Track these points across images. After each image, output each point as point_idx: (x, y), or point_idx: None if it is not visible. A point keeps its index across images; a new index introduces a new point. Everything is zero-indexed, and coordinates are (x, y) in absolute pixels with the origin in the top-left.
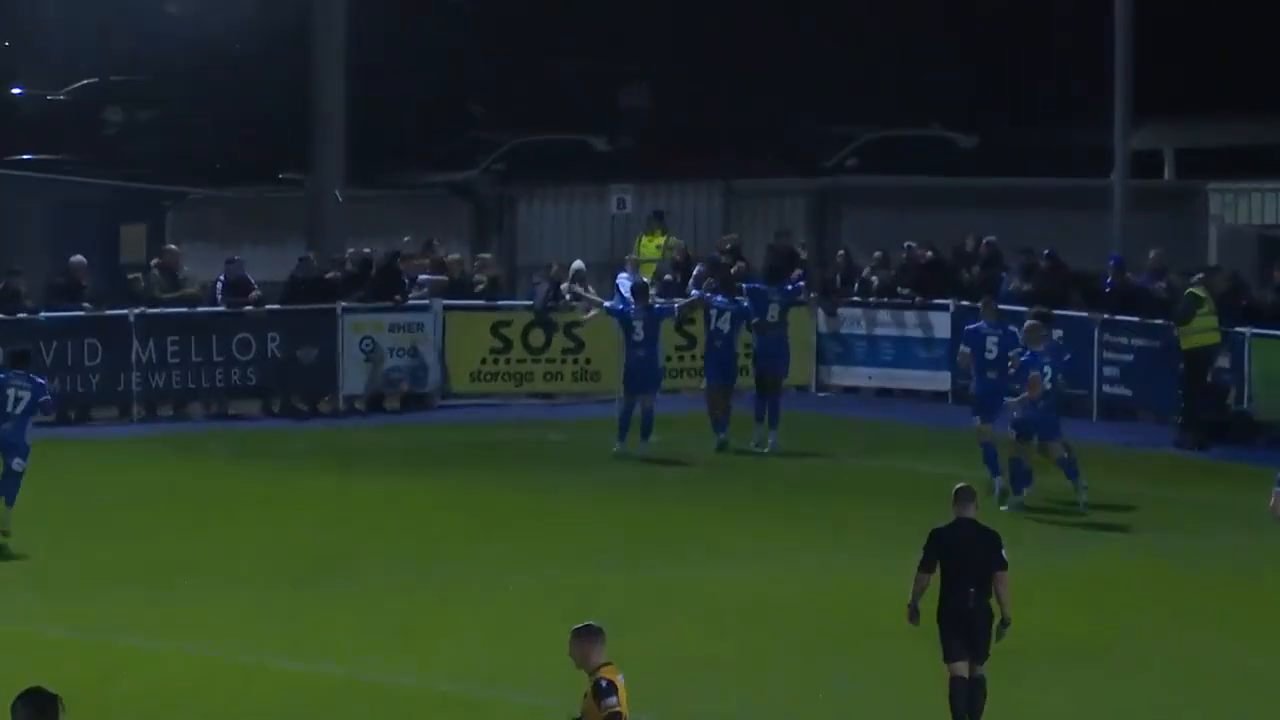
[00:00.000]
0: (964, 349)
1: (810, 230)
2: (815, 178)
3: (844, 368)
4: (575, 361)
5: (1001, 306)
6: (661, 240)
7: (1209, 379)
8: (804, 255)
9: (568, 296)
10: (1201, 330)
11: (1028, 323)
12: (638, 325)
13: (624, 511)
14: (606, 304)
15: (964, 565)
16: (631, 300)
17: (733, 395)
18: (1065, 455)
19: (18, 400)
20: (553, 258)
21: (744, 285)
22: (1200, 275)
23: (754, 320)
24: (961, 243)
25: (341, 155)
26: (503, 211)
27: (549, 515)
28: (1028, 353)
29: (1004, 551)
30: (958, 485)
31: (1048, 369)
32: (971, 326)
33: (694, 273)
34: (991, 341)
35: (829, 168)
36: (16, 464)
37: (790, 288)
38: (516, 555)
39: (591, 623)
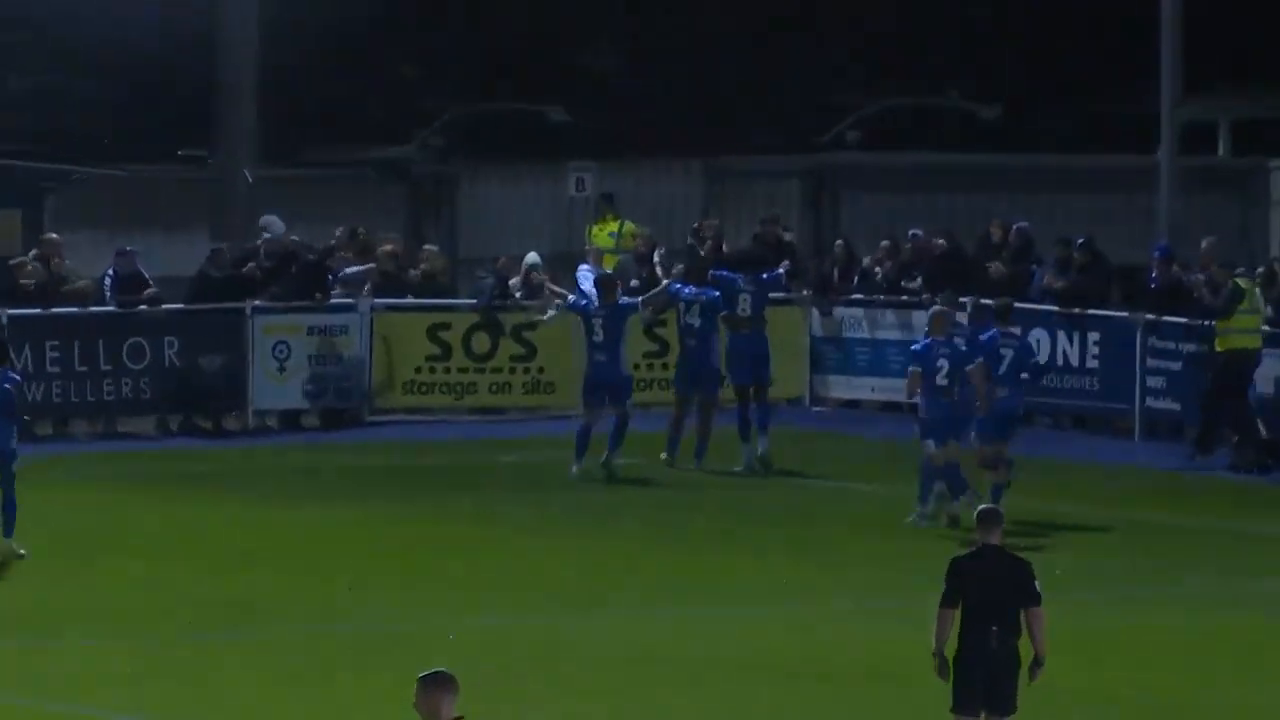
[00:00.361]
0: (913, 369)
1: (804, 216)
2: (810, 154)
3: (843, 378)
4: (526, 371)
5: (1030, 306)
6: (614, 227)
7: (1242, 389)
8: (794, 243)
9: (518, 294)
10: (1241, 330)
11: (934, 309)
12: (597, 324)
13: (584, 545)
14: (570, 298)
15: (988, 599)
16: (595, 296)
17: (716, 409)
18: (949, 462)
19: None
20: (500, 249)
21: (713, 273)
22: (1242, 269)
23: (722, 314)
24: (984, 231)
25: (252, 128)
26: (442, 194)
27: (495, 551)
28: (923, 340)
29: (1037, 584)
30: (981, 508)
31: (943, 363)
32: (920, 344)
33: (655, 259)
34: (942, 359)
35: (826, 143)
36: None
37: (765, 277)
38: (457, 599)
39: (442, 670)
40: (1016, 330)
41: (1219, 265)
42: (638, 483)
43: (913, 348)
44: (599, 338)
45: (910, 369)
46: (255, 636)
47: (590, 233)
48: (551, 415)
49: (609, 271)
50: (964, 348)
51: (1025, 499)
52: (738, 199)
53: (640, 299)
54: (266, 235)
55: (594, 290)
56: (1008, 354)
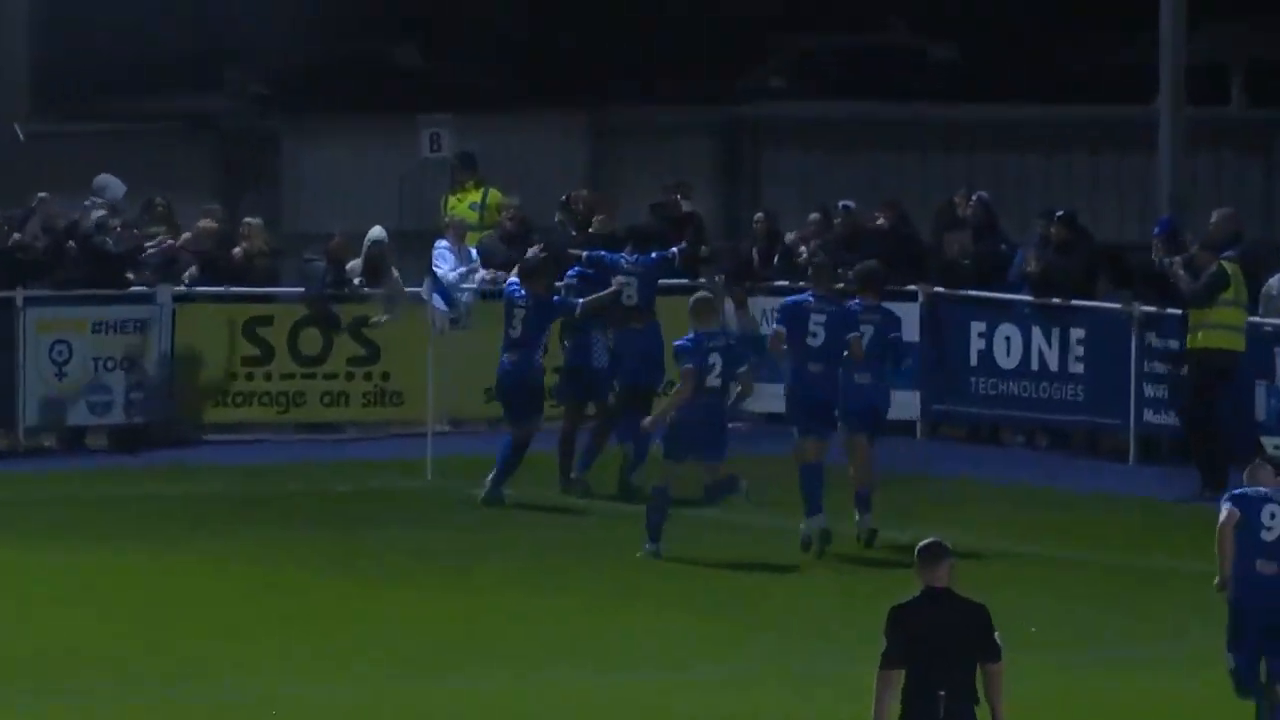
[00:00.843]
0: (778, 328)
1: (716, 182)
2: (723, 105)
3: (762, 385)
4: (367, 377)
5: (993, 295)
6: (476, 196)
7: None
8: (699, 216)
9: (357, 280)
10: (1219, 326)
11: (697, 295)
12: (518, 317)
13: (446, 599)
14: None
15: (936, 656)
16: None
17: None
18: (716, 480)
19: None
20: (335, 222)
21: (588, 254)
22: (1230, 252)
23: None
24: (944, 202)
25: (24, 75)
26: (261, 154)
27: (332, 606)
28: (688, 336)
29: (996, 635)
30: (924, 542)
31: (715, 359)
32: (793, 299)
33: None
34: (817, 322)
35: (743, 91)
36: None
37: (654, 257)
38: (284, 664)
39: None
40: (882, 306)
41: (1201, 246)
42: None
43: (677, 344)
44: (515, 332)
45: (683, 368)
46: (30, 705)
47: (447, 203)
48: (398, 433)
49: (535, 252)
50: (733, 341)
51: (994, 535)
52: (634, 163)
53: (582, 301)
54: (95, 201)
55: (452, 275)
56: (867, 330)
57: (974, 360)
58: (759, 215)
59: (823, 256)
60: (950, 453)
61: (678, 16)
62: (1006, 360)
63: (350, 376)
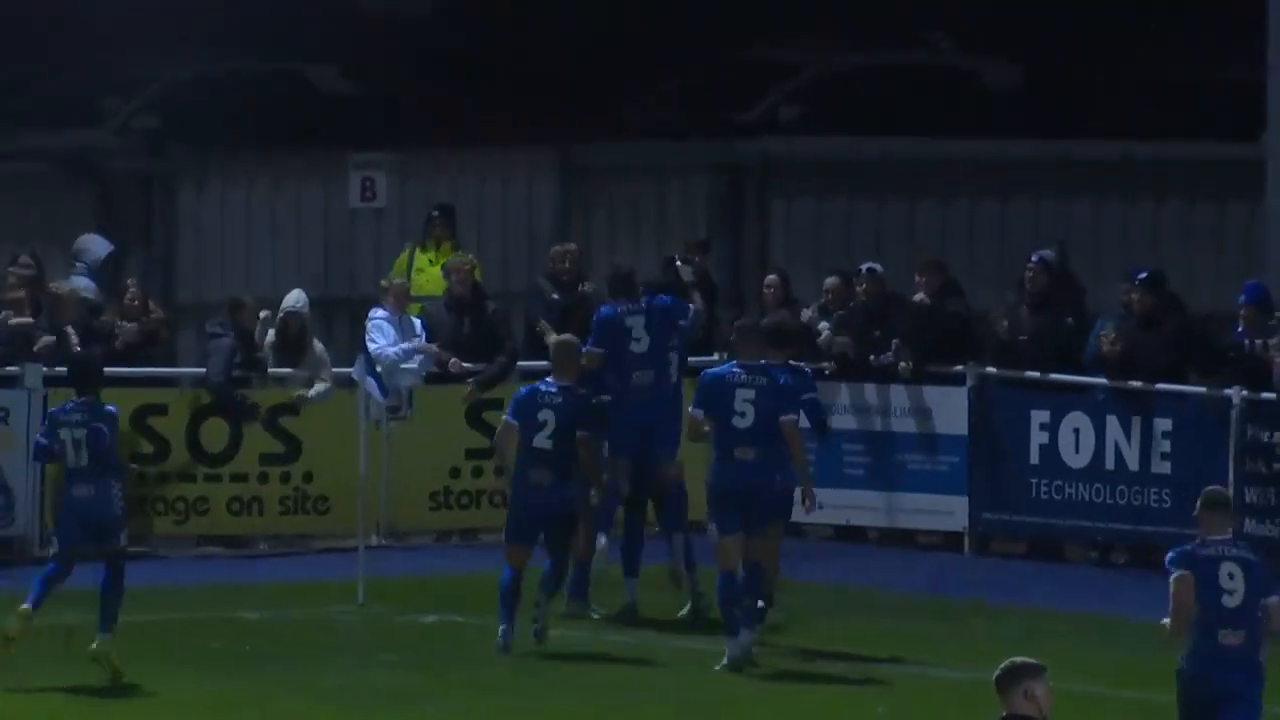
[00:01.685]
0: (694, 412)
1: (716, 233)
2: (726, 140)
3: None
4: (285, 479)
5: (1064, 379)
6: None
7: None
8: (709, 280)
9: (268, 358)
10: None
11: (557, 340)
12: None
13: None
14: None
15: None
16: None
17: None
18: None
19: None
20: (242, 286)
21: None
22: None
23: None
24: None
25: None
26: (154, 202)
27: None
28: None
29: None
30: (1007, 665)
31: (546, 416)
32: (715, 372)
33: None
34: (744, 398)
35: (750, 123)
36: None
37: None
38: None
39: None
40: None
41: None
42: (470, 648)
43: (516, 395)
44: (548, 426)
45: (507, 420)
46: None
47: (402, 262)
48: (323, 548)
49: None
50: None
51: (1060, 675)
52: (612, 211)
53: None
54: (79, 265)
55: (391, 352)
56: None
57: (1035, 458)
58: (771, 278)
59: (747, 319)
60: (1005, 572)
61: (669, 30)
62: (1075, 458)
63: (264, 478)
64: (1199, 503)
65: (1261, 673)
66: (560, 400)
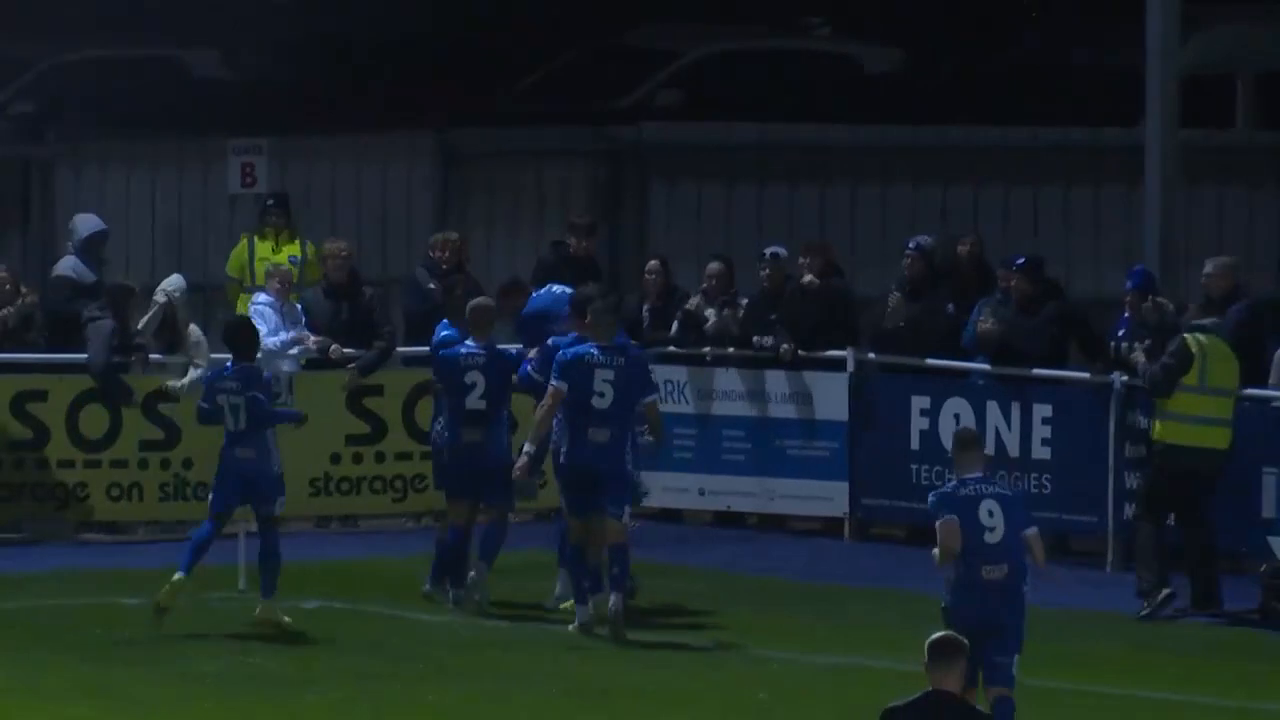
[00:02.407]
0: (557, 384)
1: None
2: (603, 126)
3: (656, 474)
4: (164, 465)
5: (940, 364)
6: (295, 250)
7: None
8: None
9: (143, 343)
10: (1182, 418)
11: (475, 301)
12: (473, 373)
13: None
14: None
15: None
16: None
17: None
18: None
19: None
20: (120, 268)
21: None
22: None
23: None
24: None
25: None
26: (31, 187)
27: None
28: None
29: None
30: (938, 636)
31: (475, 378)
32: (572, 352)
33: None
34: (604, 379)
35: (628, 108)
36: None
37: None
38: None
39: None
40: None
41: (1154, 303)
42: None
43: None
44: (479, 398)
45: (554, 384)
46: None
47: (251, 253)
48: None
49: (481, 300)
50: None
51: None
52: (490, 199)
53: (530, 357)
54: (69, 245)
55: (273, 340)
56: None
57: (915, 443)
58: (653, 264)
59: (601, 301)
60: (885, 558)
61: (544, 16)
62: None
63: (144, 464)
64: (952, 445)
65: (1023, 604)
66: (484, 360)
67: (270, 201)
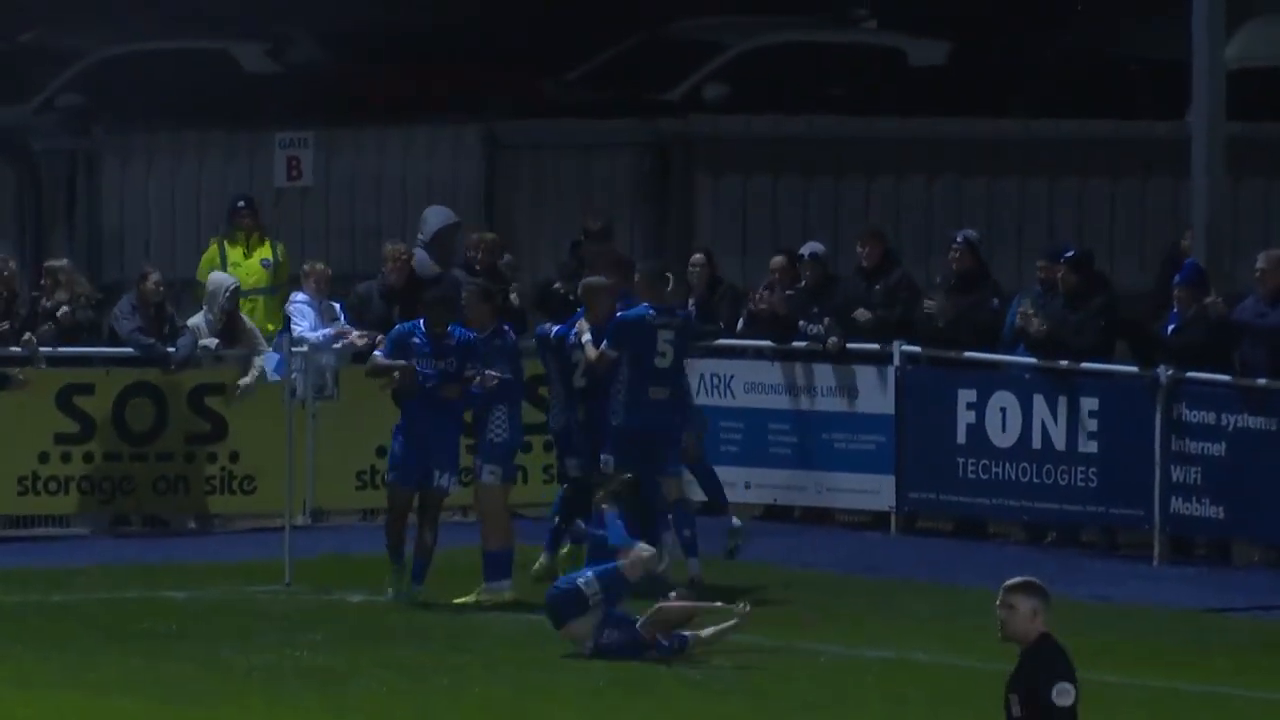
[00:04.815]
0: (608, 350)
1: (640, 212)
2: (650, 118)
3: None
4: (212, 459)
5: (990, 357)
6: (266, 252)
7: None
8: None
9: (201, 335)
10: None
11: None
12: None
13: None
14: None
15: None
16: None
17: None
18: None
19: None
20: (165, 265)
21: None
22: None
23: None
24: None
25: None
26: (78, 179)
27: None
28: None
29: (1063, 690)
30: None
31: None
32: (632, 314)
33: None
34: (665, 339)
35: (675, 101)
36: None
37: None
38: None
39: None
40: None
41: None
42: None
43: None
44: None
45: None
46: None
47: (223, 257)
48: (249, 527)
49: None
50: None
51: (987, 655)
52: (536, 188)
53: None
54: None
55: (314, 336)
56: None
57: (961, 437)
58: (697, 256)
59: (652, 263)
60: (931, 552)
61: (588, 9)
62: (1001, 437)
63: (190, 458)
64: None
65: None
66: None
67: (240, 204)
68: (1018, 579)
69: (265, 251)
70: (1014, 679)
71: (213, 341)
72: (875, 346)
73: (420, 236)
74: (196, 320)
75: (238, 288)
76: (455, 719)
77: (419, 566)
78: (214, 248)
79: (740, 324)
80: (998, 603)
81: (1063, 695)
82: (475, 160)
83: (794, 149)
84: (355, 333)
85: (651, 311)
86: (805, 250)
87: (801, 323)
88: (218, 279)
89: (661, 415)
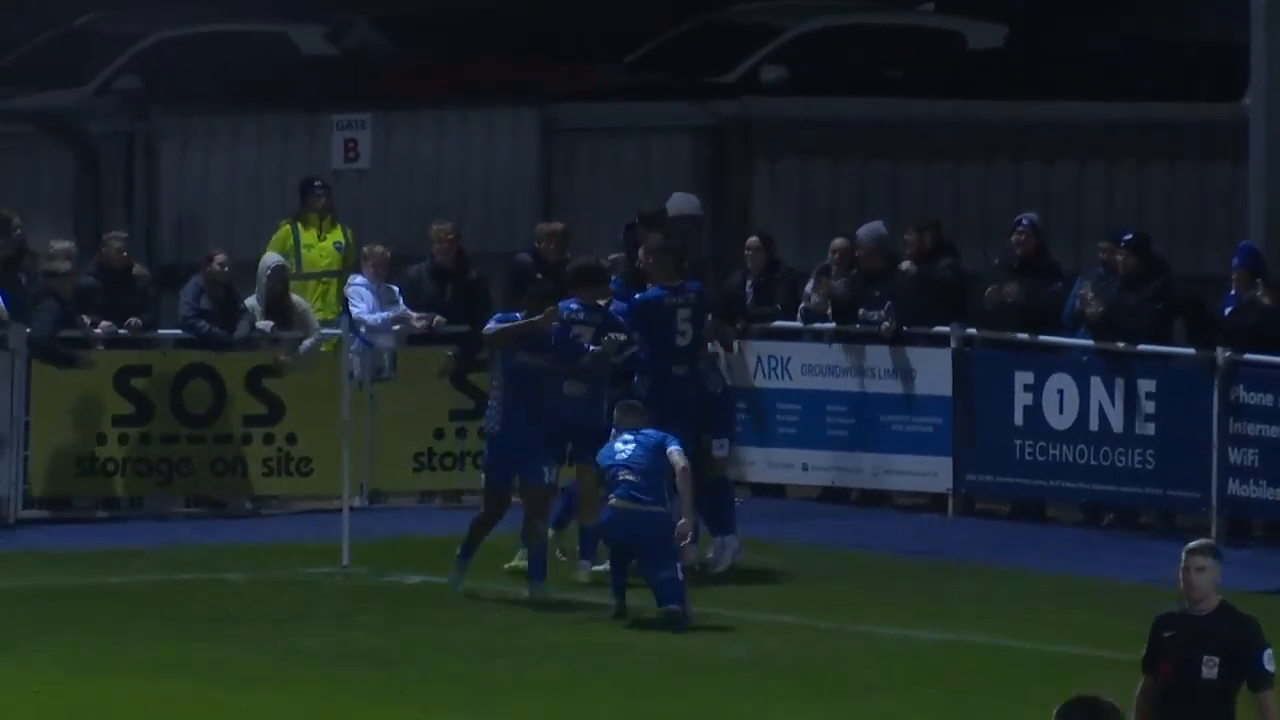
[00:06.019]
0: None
1: (699, 198)
2: (707, 100)
3: (759, 450)
4: (268, 440)
5: (1049, 340)
6: (338, 235)
7: None
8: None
9: (257, 318)
10: None
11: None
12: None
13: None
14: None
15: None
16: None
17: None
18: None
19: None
20: (223, 245)
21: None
22: None
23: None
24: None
25: None
26: (135, 162)
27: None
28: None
29: (1271, 657)
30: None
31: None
32: (645, 297)
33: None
34: (684, 317)
35: (732, 84)
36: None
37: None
38: None
39: None
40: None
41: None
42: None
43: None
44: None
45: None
46: None
47: (297, 240)
48: (306, 509)
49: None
50: None
51: (1044, 637)
52: (594, 171)
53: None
54: None
55: (373, 319)
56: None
57: (1019, 419)
58: (753, 240)
59: (662, 242)
60: (989, 534)
61: None
62: (1059, 419)
63: (247, 439)
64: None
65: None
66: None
67: (317, 184)
68: (1201, 540)
69: (337, 234)
70: (1198, 643)
71: (268, 324)
72: (933, 329)
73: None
74: (251, 301)
75: (280, 267)
76: (513, 702)
77: (540, 564)
78: (285, 229)
79: (799, 313)
80: (1183, 565)
81: (1271, 661)
82: (532, 144)
83: (851, 132)
84: (414, 316)
85: (663, 292)
86: (864, 230)
87: (861, 311)
88: (264, 260)
89: (683, 391)
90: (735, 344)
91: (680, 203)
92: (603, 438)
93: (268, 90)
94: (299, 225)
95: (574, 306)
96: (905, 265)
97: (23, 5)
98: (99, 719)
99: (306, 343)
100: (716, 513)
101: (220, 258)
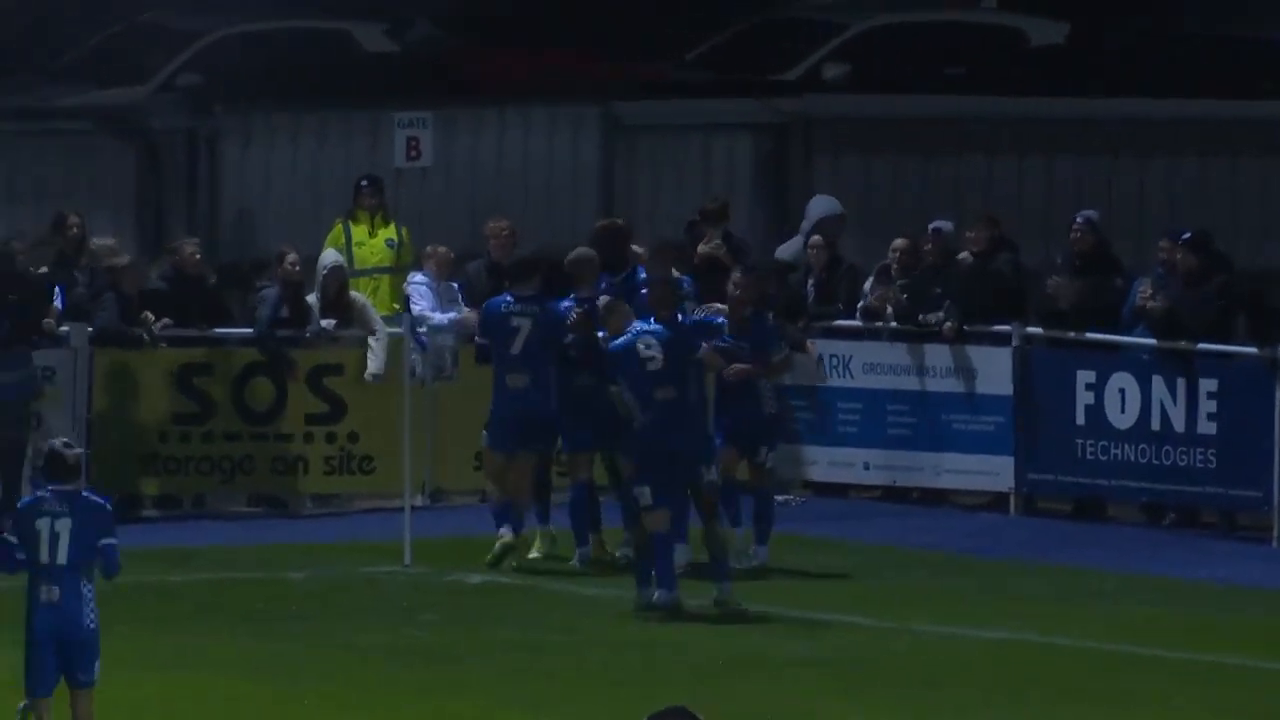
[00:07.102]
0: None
1: (759, 193)
2: (769, 98)
3: (821, 449)
4: (330, 439)
5: (1107, 338)
6: (390, 233)
7: None
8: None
9: (316, 316)
10: None
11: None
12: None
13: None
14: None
15: None
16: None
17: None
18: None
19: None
20: (287, 243)
21: None
22: None
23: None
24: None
25: None
26: (196, 160)
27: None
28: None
29: None
30: None
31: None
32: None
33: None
34: (648, 343)
35: (793, 81)
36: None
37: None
38: None
39: None
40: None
41: None
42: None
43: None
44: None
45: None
46: None
47: (350, 237)
48: (368, 507)
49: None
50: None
51: (1105, 636)
52: (656, 169)
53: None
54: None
55: (437, 318)
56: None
57: (1080, 418)
58: (816, 238)
59: (661, 244)
60: (1051, 533)
61: None
62: (1121, 418)
63: (309, 438)
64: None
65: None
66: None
67: (364, 183)
68: None
69: (390, 232)
70: None
71: (330, 322)
72: (994, 328)
73: (804, 223)
74: (311, 299)
75: (338, 266)
76: (575, 700)
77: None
78: (338, 227)
79: (859, 312)
80: None
81: None
82: (594, 141)
83: (913, 129)
84: (474, 315)
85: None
86: (931, 226)
87: (920, 317)
88: (322, 258)
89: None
90: (809, 343)
91: (823, 205)
92: (552, 428)
93: (330, 87)
94: (350, 223)
95: (509, 299)
96: (963, 255)
97: (85, 2)
98: (160, 716)
99: (374, 362)
100: (759, 523)
101: (291, 257)
